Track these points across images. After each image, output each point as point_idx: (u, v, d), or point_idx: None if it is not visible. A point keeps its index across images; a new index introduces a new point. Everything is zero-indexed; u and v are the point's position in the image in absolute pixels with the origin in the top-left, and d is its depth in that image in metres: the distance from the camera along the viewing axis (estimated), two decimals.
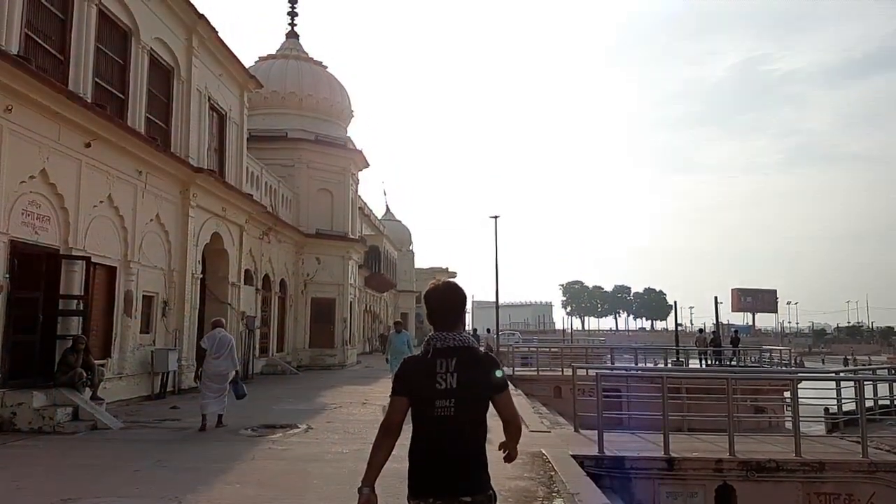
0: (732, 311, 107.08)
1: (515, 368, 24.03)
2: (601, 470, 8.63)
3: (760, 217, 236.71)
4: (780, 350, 30.85)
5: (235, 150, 20.33)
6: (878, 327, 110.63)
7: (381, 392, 15.03)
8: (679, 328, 48.72)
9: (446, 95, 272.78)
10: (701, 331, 38.87)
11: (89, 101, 12.07)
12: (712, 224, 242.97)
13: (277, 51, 29.11)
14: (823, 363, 57.21)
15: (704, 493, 8.92)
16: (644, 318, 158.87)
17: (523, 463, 7.63)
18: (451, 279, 3.40)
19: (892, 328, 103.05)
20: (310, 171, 27.26)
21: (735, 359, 30.36)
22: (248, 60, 23.93)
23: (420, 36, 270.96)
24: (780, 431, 13.97)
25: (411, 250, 59.12)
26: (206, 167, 17.13)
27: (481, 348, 3.19)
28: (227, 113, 19.67)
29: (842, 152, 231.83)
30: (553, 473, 7.44)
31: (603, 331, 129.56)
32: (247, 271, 20.67)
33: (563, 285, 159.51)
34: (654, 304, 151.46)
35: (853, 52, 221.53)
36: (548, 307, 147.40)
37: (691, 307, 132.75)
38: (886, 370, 21.17)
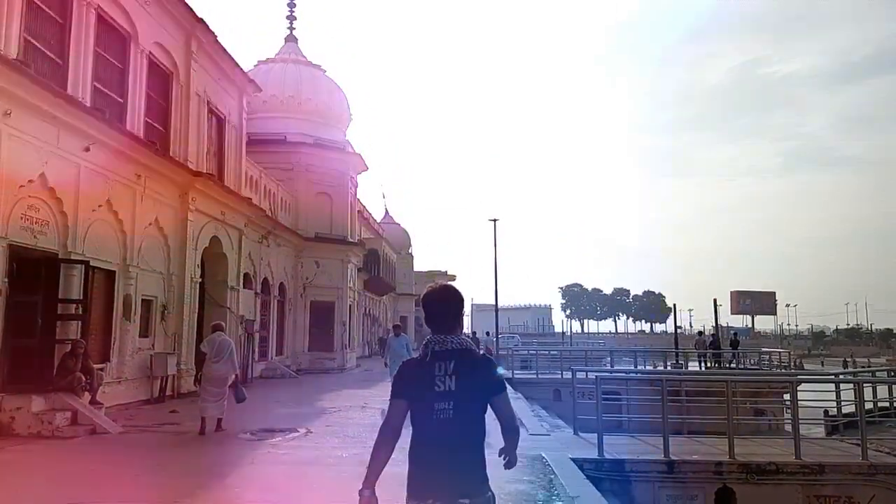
0: (732, 313, 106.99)
1: (515, 371, 24.02)
2: (601, 473, 8.63)
3: (759, 220, 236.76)
4: (780, 352, 30.94)
5: (234, 153, 20.34)
6: (877, 329, 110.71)
7: (380, 395, 15.01)
8: (678, 331, 48.71)
9: (445, 98, 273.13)
10: (700, 333, 38.87)
11: (88, 105, 12.08)
12: (711, 227, 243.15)
13: (276, 54, 29.14)
14: (823, 365, 57.20)
15: (704, 495, 8.92)
16: (643, 321, 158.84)
17: (523, 466, 7.62)
18: (449, 282, 3.41)
19: (892, 330, 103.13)
20: (309, 174, 27.27)
21: (734, 361, 30.39)
22: (247, 64, 23.96)
23: (419, 39, 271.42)
24: (779, 434, 13.99)
25: (410, 253, 59.12)
26: (205, 171, 17.13)
27: (481, 351, 3.21)
28: (226, 117, 19.68)
29: (841, 155, 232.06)
30: (553, 477, 7.44)
31: (602, 333, 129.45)
32: (246, 275, 20.66)
33: (562, 288, 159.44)
34: (653, 306, 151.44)
35: (851, 55, 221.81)
36: (547, 310, 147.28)
37: (690, 310, 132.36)
38: (886, 372, 21.17)
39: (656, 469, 9.00)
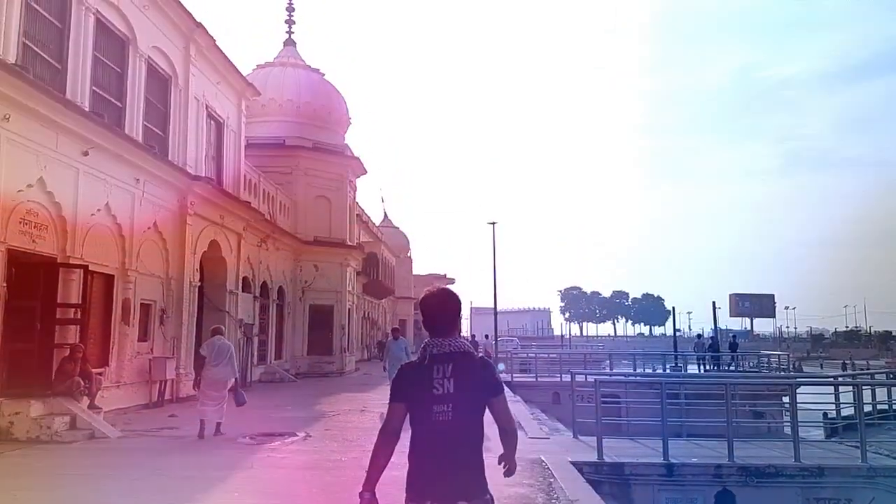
0: (730, 316, 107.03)
1: (514, 375, 24.01)
2: (600, 476, 8.63)
3: (758, 222, 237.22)
4: (779, 355, 30.92)
5: (233, 157, 20.34)
6: (875, 332, 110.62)
7: (379, 399, 15.00)
8: (677, 333, 48.68)
9: (444, 101, 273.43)
10: (699, 336, 38.80)
11: (87, 109, 12.08)
12: (710, 229, 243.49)
13: (275, 58, 29.15)
14: (822, 368, 57.19)
15: (704, 498, 8.92)
16: (642, 324, 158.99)
17: (522, 469, 7.61)
18: (447, 286, 3.43)
19: (890, 332, 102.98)
20: (307, 178, 27.26)
21: (733, 364, 30.39)
22: (245, 68, 23.97)
23: (417, 43, 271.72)
24: (778, 436, 13.98)
25: (409, 257, 59.09)
26: (203, 175, 17.13)
27: (480, 354, 3.22)
28: (225, 121, 19.69)
29: (838, 157, 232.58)
30: (552, 480, 7.43)
31: (601, 336, 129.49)
32: (245, 279, 20.65)
33: (561, 291, 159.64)
34: (652, 309, 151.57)
35: (848, 57, 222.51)
36: (546, 313, 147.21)
37: (689, 312, 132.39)
38: (885, 375, 21.18)
39: (656, 472, 9.00)
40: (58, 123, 11.08)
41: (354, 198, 31.13)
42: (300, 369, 25.35)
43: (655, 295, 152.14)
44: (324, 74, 29.45)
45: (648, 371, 27.00)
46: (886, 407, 13.06)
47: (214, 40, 17.67)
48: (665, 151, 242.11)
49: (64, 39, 11.96)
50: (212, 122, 18.94)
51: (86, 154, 11.98)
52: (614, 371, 25.19)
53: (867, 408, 11.23)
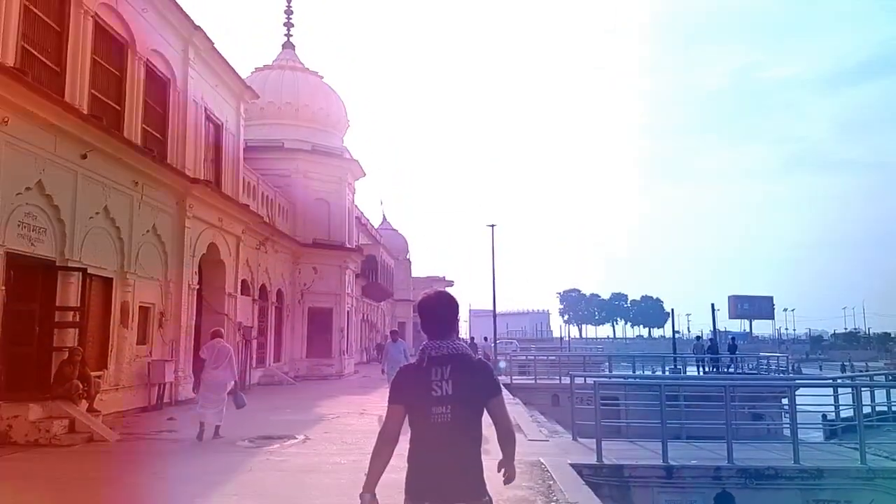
0: (729, 318, 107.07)
1: (513, 377, 24.00)
2: (600, 478, 8.63)
3: (757, 224, 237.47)
4: (778, 357, 30.93)
5: (232, 160, 20.35)
6: (874, 333, 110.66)
7: (378, 402, 14.98)
8: (676, 335, 48.69)
9: (442, 104, 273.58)
10: (698, 338, 38.79)
11: (85, 112, 12.08)
12: (709, 231, 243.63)
13: (273, 61, 29.18)
14: (821, 370, 57.22)
15: (703, 500, 8.91)
16: (641, 326, 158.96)
17: (521, 472, 7.61)
18: (444, 289, 3.45)
19: (889, 334, 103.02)
20: (306, 181, 27.27)
21: (732, 366, 30.38)
22: (244, 71, 23.99)
23: (416, 44, 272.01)
24: (778, 438, 13.99)
25: (408, 259, 59.10)
26: (202, 178, 17.13)
27: (479, 356, 3.24)
28: (224, 124, 19.70)
29: (837, 159, 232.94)
30: (552, 482, 7.43)
31: (600, 339, 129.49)
32: (243, 281, 20.64)
33: (560, 293, 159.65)
34: (651, 311, 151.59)
35: (847, 59, 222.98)
36: (545, 315, 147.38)
37: (688, 314, 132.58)
38: (884, 376, 21.17)
39: (655, 474, 8.99)
40: (56, 126, 11.08)
41: (353, 200, 31.14)
42: (299, 372, 25.34)
43: (654, 297, 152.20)
44: (322, 77, 29.48)
45: (647, 373, 26.97)
46: (886, 409, 13.04)
47: (213, 43, 17.69)
48: (664, 152, 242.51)
49: (63, 43, 11.96)
50: (210, 125, 18.94)
51: (84, 157, 11.98)
52: (613, 373, 25.15)
53: (866, 409, 11.22)
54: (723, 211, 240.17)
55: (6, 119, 9.91)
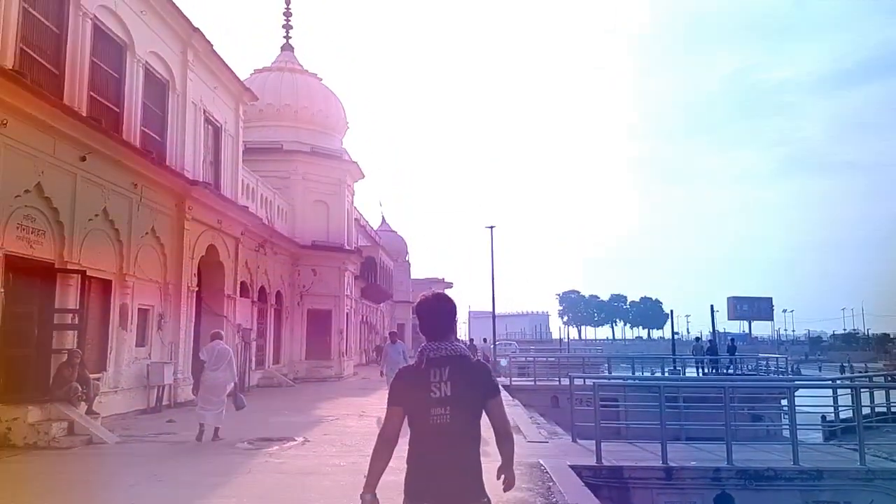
0: (729, 319, 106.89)
1: (513, 378, 23.99)
2: (599, 480, 8.62)
3: (755, 225, 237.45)
4: (777, 358, 30.93)
5: (231, 162, 20.35)
6: (873, 334, 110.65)
7: (377, 403, 14.98)
8: (676, 337, 48.70)
9: (442, 105, 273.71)
10: (697, 339, 38.80)
11: (84, 114, 12.08)
12: (707, 233, 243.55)
13: (272, 63, 29.21)
14: (820, 371, 57.24)
15: (703, 501, 8.91)
16: (640, 327, 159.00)
17: (521, 473, 7.61)
18: (442, 291, 3.47)
19: (888, 335, 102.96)
20: (305, 182, 27.29)
21: (732, 367, 30.39)
22: (243, 73, 23.99)
23: (415, 45, 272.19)
24: (777, 440, 13.99)
25: (407, 261, 59.09)
26: (201, 180, 17.13)
27: (478, 357, 3.25)
28: (223, 125, 19.70)
29: (835, 160, 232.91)
30: (551, 484, 7.43)
31: (600, 340, 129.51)
32: (243, 283, 20.64)
33: (559, 295, 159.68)
34: (650, 312, 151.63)
35: (844, 61, 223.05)
36: (544, 317, 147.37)
37: (688, 316, 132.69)
38: (883, 377, 21.18)
39: (654, 476, 8.98)
40: (55, 129, 11.08)
41: (352, 202, 31.15)
42: (298, 374, 25.33)
43: (653, 298, 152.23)
44: (321, 79, 29.51)
45: (647, 374, 26.95)
46: (885, 410, 13.05)
47: (212, 45, 17.69)
48: (662, 154, 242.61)
49: (61, 45, 11.96)
50: (209, 127, 18.95)
51: (83, 159, 11.98)
52: (613, 375, 25.15)
53: (865, 410, 11.22)
54: (721, 212, 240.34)
55: (5, 121, 9.90)
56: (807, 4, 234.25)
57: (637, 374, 26.62)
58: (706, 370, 29.89)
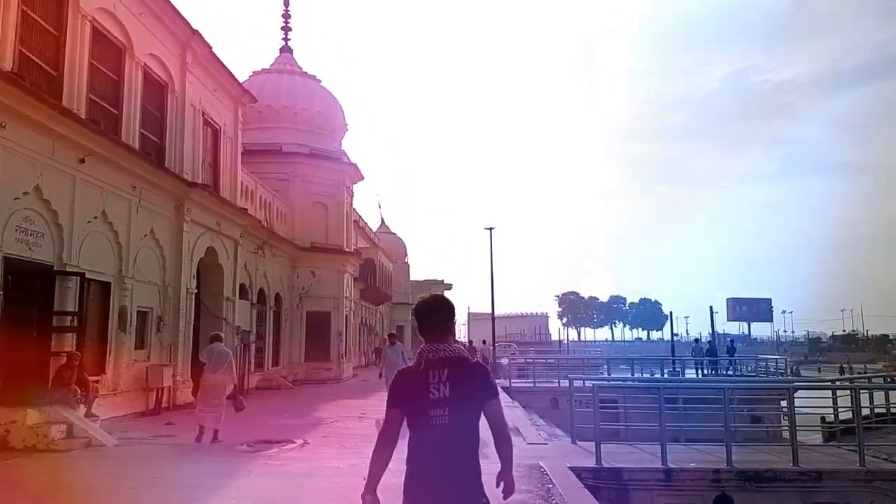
0: (728, 320, 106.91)
1: (512, 380, 23.98)
2: (599, 482, 8.61)
3: (754, 226, 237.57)
4: (776, 359, 30.90)
5: (230, 164, 20.35)
6: (873, 335, 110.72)
7: (376, 405, 14.95)
8: (675, 338, 48.71)
9: (441, 106, 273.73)
10: (697, 340, 38.81)
11: (83, 116, 12.08)
12: (707, 234, 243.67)
13: (271, 65, 29.22)
14: (819, 372, 57.23)
15: (702, 503, 8.90)
16: (640, 329, 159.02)
17: (521, 475, 7.60)
18: (441, 292, 3.49)
19: (888, 336, 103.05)
20: (304, 184, 27.29)
21: (731, 368, 30.39)
22: (242, 75, 24.03)
23: (415, 47, 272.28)
24: (777, 441, 13.98)
25: (406, 262, 59.15)
26: (200, 182, 17.13)
27: (477, 359, 3.26)
28: (222, 127, 19.70)
29: (834, 162, 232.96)
30: (551, 486, 7.42)
31: (599, 341, 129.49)
32: (242, 285, 20.63)
33: (558, 296, 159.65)
34: (649, 314, 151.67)
35: (843, 62, 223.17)
36: (544, 318, 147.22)
37: (687, 317, 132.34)
38: (882, 378, 21.19)
39: (654, 477, 8.97)
40: (54, 131, 11.08)
41: (351, 204, 31.16)
42: (298, 376, 25.31)
43: (653, 299, 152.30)
44: (320, 81, 29.52)
45: (646, 376, 26.93)
46: (884, 411, 13.03)
47: (211, 47, 17.69)
48: (661, 156, 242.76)
49: (60, 47, 11.97)
50: (208, 129, 18.95)
51: (82, 161, 11.98)
52: (612, 376, 25.15)
53: (865, 412, 11.21)
54: (720, 213, 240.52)
55: (4, 123, 9.91)
56: (806, 6, 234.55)
57: (637, 375, 26.59)
58: (706, 371, 29.89)
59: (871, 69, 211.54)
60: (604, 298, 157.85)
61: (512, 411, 14.90)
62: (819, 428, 13.59)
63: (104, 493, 7.44)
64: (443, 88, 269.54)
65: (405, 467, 3.02)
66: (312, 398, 18.96)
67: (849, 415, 10.84)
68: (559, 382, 21.61)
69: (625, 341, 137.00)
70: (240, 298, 20.07)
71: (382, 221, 58.23)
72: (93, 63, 12.93)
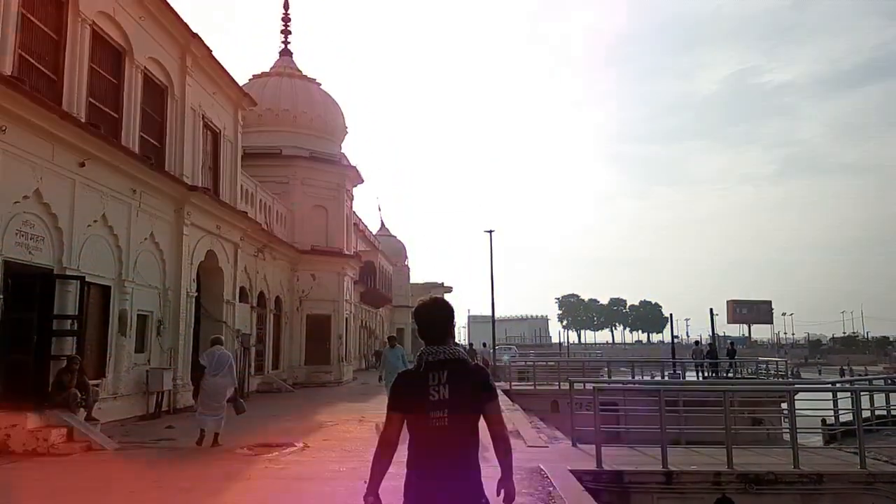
0: (728, 322, 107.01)
1: (512, 383, 23.96)
2: (599, 485, 8.60)
3: (754, 228, 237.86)
4: (777, 361, 30.87)
5: (230, 167, 20.35)
6: (873, 337, 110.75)
7: (377, 409, 14.95)
8: (675, 340, 48.67)
9: (441, 109, 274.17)
10: (697, 343, 38.78)
11: (83, 120, 12.09)
12: (706, 236, 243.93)
13: (271, 68, 29.23)
14: (820, 374, 57.26)
15: None
16: (640, 331, 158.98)
17: (521, 478, 7.60)
18: (441, 295, 3.50)
19: (888, 338, 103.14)
20: (304, 187, 27.30)
21: (732, 371, 30.35)
22: (242, 78, 24.02)
23: (415, 50, 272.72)
24: (777, 443, 13.94)
25: (406, 265, 59.10)
26: (200, 185, 17.14)
27: (478, 362, 3.27)
28: (222, 131, 19.71)
29: (833, 162, 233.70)
30: (551, 489, 7.41)
31: (599, 344, 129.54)
32: (242, 289, 20.62)
33: (558, 299, 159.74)
34: (649, 316, 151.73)
35: (843, 63, 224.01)
36: (544, 321, 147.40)
37: (687, 319, 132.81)
38: (883, 380, 21.17)
39: (655, 480, 8.96)
40: (54, 135, 11.09)
41: (351, 207, 31.16)
42: (298, 379, 25.29)
43: (653, 302, 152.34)
44: (320, 84, 29.53)
45: (647, 378, 26.91)
46: (885, 413, 13.01)
47: (210, 51, 17.70)
48: (661, 158, 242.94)
49: (60, 51, 11.98)
50: (208, 133, 18.96)
51: (82, 165, 11.98)
52: (612, 379, 25.13)
53: (865, 414, 11.20)
54: (720, 215, 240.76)
55: (4, 128, 9.92)
56: (805, 7, 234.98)
57: (637, 377, 26.57)
58: (706, 374, 29.85)
59: (871, 69, 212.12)
60: (604, 301, 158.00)
61: (512, 414, 14.90)
62: (820, 430, 13.58)
63: (105, 496, 7.43)
64: (442, 91, 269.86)
65: (405, 471, 3.02)
66: (313, 401, 18.95)
67: (849, 417, 10.83)
68: (559, 385, 21.60)
69: (625, 344, 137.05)
70: (240, 302, 20.06)
71: (382, 224, 58.27)
72: (93, 67, 12.94)
